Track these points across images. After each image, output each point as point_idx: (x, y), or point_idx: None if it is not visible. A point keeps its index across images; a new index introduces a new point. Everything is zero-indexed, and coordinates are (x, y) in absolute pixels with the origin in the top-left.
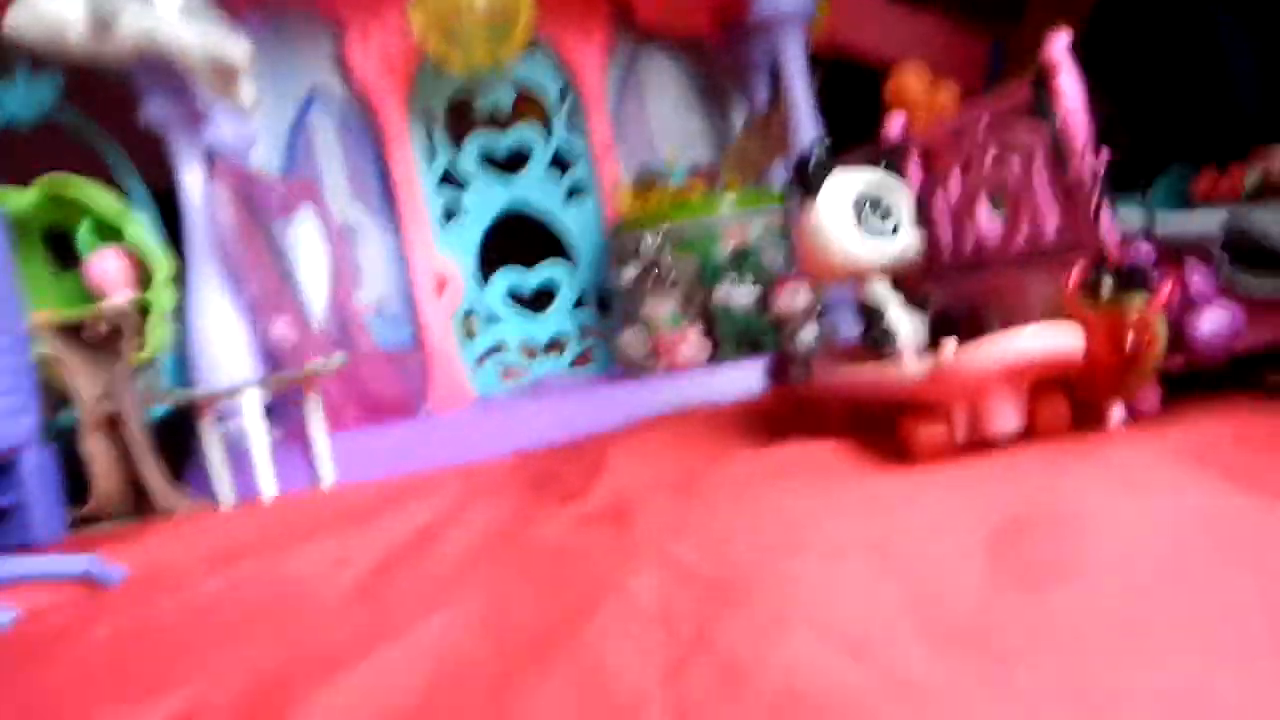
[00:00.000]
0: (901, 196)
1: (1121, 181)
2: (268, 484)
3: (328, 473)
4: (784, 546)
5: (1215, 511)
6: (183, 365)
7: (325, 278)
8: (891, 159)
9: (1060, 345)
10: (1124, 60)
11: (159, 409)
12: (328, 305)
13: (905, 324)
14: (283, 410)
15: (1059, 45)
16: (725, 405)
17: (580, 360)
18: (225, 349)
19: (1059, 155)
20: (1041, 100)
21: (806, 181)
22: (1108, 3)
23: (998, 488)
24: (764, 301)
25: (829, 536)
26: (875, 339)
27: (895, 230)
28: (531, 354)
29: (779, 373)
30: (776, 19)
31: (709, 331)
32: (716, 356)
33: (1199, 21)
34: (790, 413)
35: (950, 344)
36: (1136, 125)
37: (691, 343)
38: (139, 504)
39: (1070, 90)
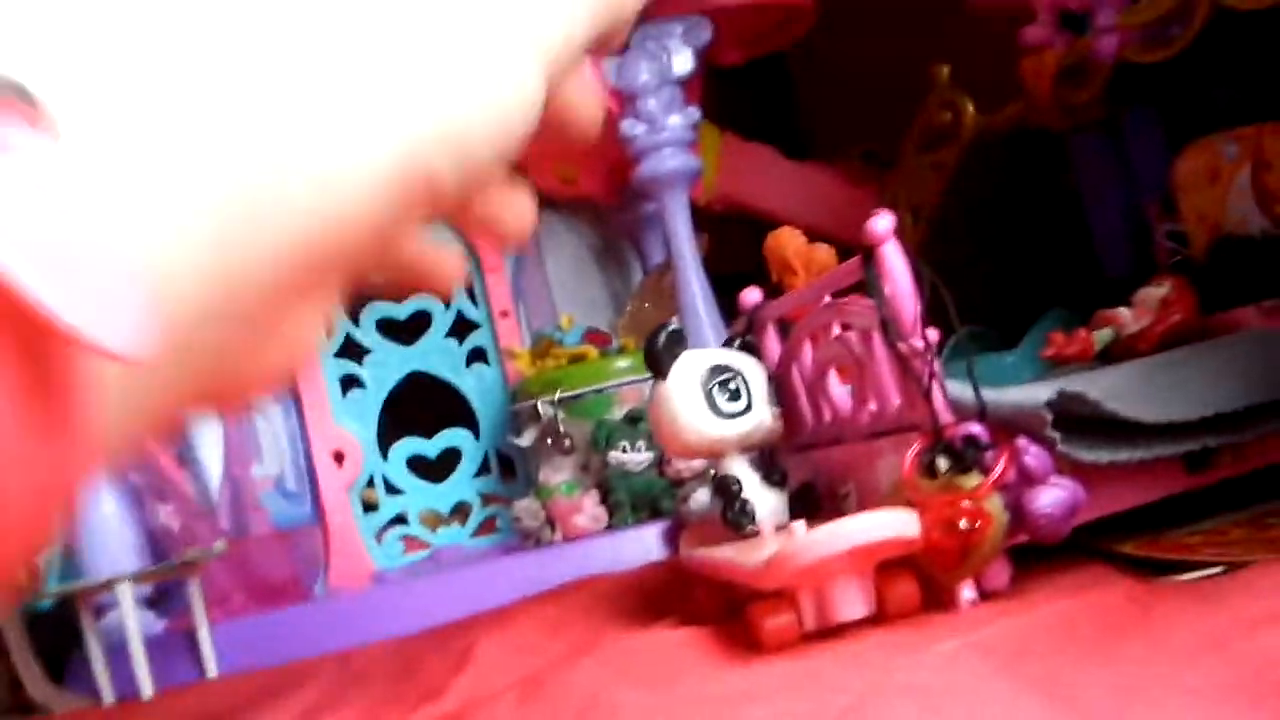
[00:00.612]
0: (753, 373)
1: (991, 334)
2: (143, 680)
3: (209, 664)
4: None
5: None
6: (71, 555)
7: (220, 456)
8: (747, 332)
9: (901, 528)
10: (989, 210)
11: (39, 603)
12: (222, 484)
13: (764, 501)
14: (172, 599)
15: (882, 223)
16: (619, 577)
17: (483, 529)
18: (110, 538)
19: (890, 332)
20: (870, 277)
21: (655, 363)
22: (974, 154)
23: (811, 694)
24: (661, 464)
25: None
26: (732, 518)
27: (747, 409)
28: (433, 524)
29: (675, 540)
30: (659, 180)
31: (605, 497)
32: (614, 523)
33: (1062, 173)
34: (677, 586)
35: (798, 527)
36: (1007, 274)
37: (587, 511)
38: (17, 701)
39: (895, 267)
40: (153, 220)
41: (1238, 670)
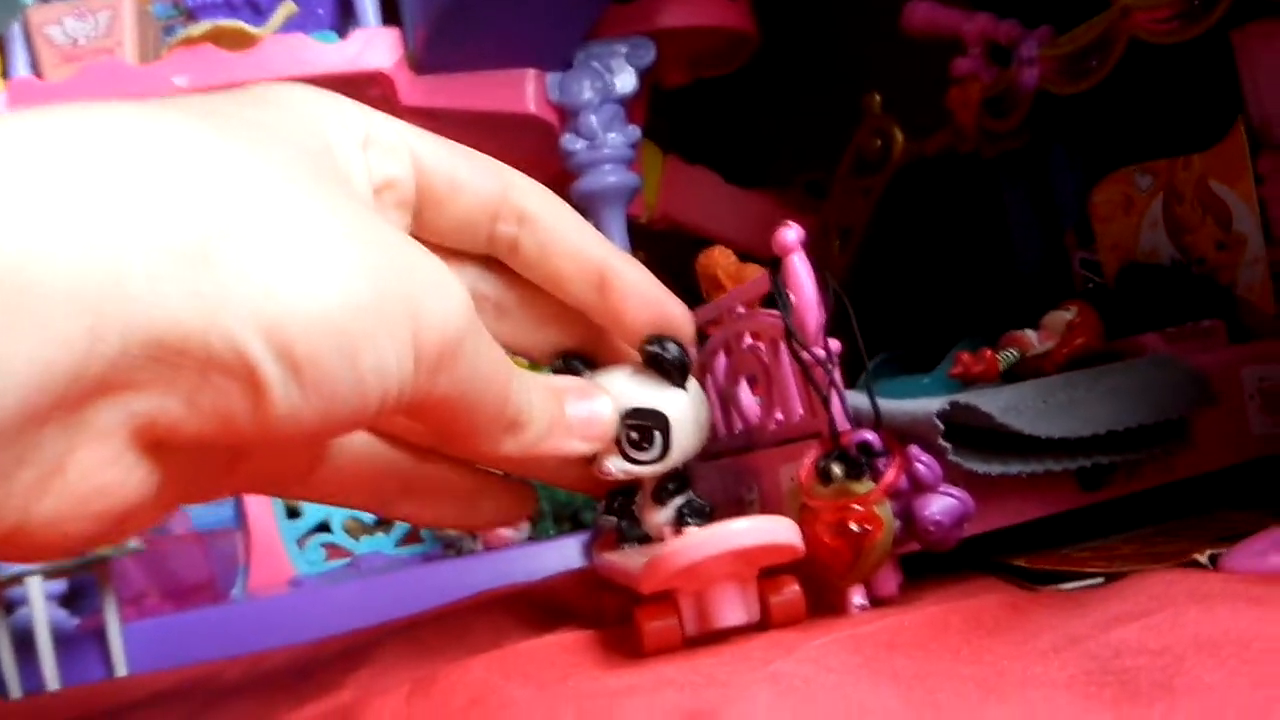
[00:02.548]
0: (676, 407)
1: (914, 357)
2: (50, 675)
3: (120, 663)
4: None
5: (858, 712)
6: None
7: None
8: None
9: (779, 534)
10: (915, 235)
11: None
12: None
13: (650, 513)
14: (86, 597)
15: (790, 234)
16: (532, 585)
17: (408, 539)
18: None
19: (794, 341)
20: (777, 287)
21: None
22: (900, 180)
23: (689, 688)
24: None
25: None
26: (620, 528)
27: (661, 455)
28: (357, 532)
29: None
30: (598, 195)
31: None
32: (535, 534)
33: (986, 199)
34: (588, 593)
35: (668, 534)
36: (931, 298)
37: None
38: None
39: (801, 278)
40: None
41: (1089, 663)
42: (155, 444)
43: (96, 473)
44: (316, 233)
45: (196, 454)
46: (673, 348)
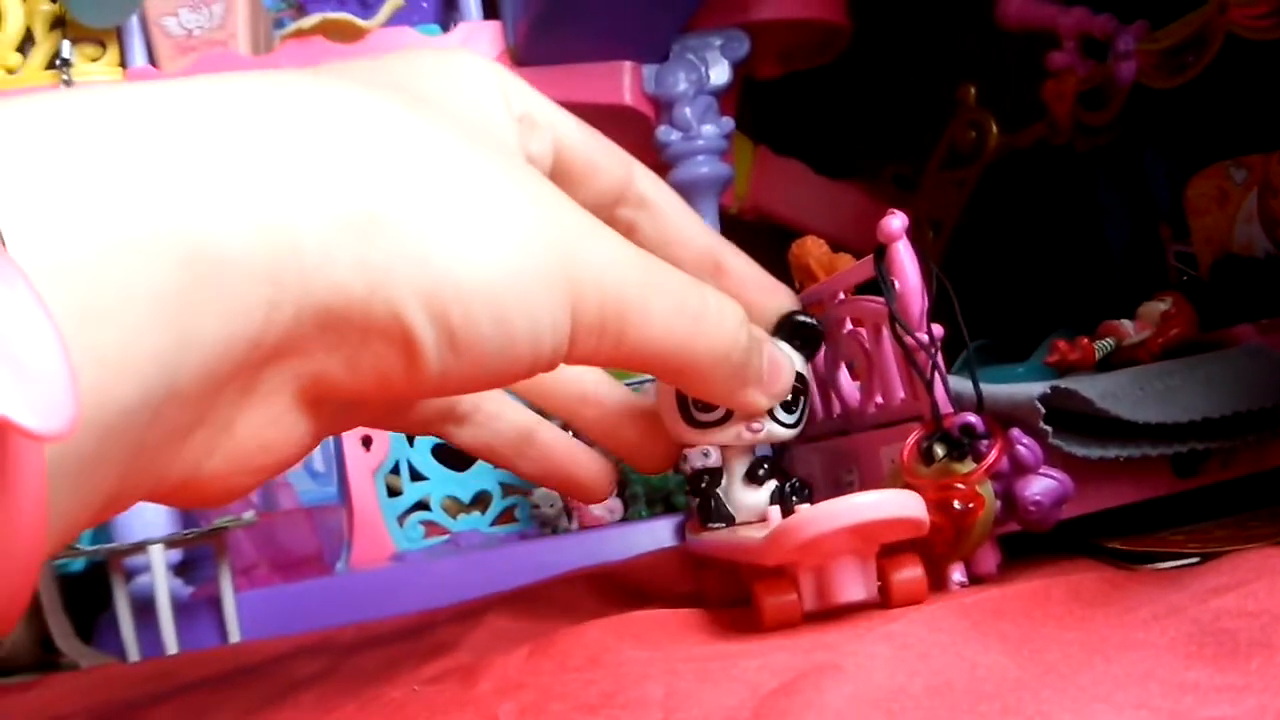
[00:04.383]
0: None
1: (1007, 347)
2: (169, 640)
3: (233, 629)
4: (595, 704)
5: (971, 667)
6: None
7: None
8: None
9: (906, 508)
10: (1009, 227)
11: (72, 563)
12: None
13: (742, 497)
14: (199, 568)
15: (895, 222)
16: (631, 561)
17: (503, 518)
18: (144, 503)
19: (898, 326)
20: (881, 274)
21: None
22: (993, 173)
23: (802, 649)
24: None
25: (642, 692)
26: (704, 512)
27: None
28: (454, 511)
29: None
30: (691, 186)
31: (622, 490)
32: (629, 515)
33: (1080, 193)
34: (686, 571)
35: (773, 512)
36: (1024, 289)
37: (604, 502)
38: (47, 656)
39: (905, 265)
40: (95, 302)
41: (1190, 628)
42: (314, 401)
43: (262, 431)
44: (475, 202)
45: (334, 408)
46: (814, 318)
